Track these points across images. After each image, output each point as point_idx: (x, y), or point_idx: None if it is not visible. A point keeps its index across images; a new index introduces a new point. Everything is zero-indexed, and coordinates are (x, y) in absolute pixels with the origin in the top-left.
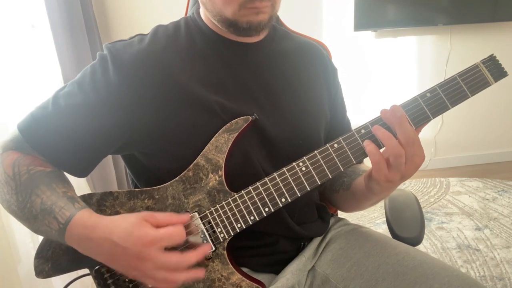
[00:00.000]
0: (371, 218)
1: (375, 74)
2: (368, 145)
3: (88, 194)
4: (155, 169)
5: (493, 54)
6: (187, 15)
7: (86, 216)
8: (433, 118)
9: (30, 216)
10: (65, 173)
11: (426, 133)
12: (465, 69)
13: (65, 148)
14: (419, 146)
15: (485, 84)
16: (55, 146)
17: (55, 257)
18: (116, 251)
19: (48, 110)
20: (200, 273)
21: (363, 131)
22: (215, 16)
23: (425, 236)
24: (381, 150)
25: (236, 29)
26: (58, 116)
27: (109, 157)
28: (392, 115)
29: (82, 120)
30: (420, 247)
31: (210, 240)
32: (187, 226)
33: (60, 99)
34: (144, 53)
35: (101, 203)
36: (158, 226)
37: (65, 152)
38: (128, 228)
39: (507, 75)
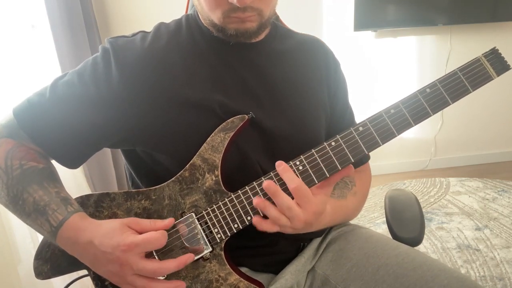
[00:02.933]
0: (371, 218)
1: (375, 74)
2: (254, 220)
3: (86, 195)
4: (155, 165)
5: (495, 47)
6: (188, 13)
7: (77, 220)
8: (433, 114)
9: (23, 213)
10: (56, 163)
11: (426, 133)
12: (466, 63)
13: (58, 137)
14: (307, 202)
15: (487, 78)
16: (49, 134)
17: (54, 258)
18: (98, 256)
19: (45, 98)
20: (181, 284)
21: (361, 128)
22: (205, 19)
23: (425, 236)
24: None
25: (225, 34)
26: (55, 105)
27: (109, 157)
28: (266, 191)
29: (79, 112)
30: (420, 247)
31: (207, 241)
32: (184, 227)
33: (59, 88)
34: (146, 53)
35: (99, 204)
36: (142, 232)
37: (58, 141)
38: (109, 233)
39: (510, 68)
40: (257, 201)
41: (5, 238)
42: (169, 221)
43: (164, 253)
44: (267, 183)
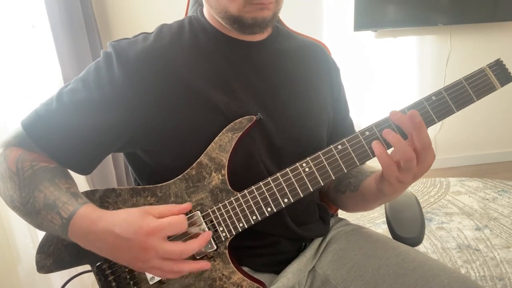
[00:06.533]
0: (371, 218)
1: (375, 74)
2: (376, 147)
3: (91, 191)
4: (158, 167)
5: (499, 58)
6: (190, 15)
7: (89, 210)
8: (438, 121)
9: (32, 211)
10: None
11: None
12: (471, 73)
13: (68, 145)
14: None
15: (491, 89)
16: (59, 143)
17: (57, 252)
18: (119, 244)
19: (52, 107)
20: (206, 265)
21: (367, 133)
22: (219, 13)
23: (425, 236)
24: (389, 150)
25: (241, 25)
26: (62, 113)
27: (109, 156)
28: (410, 121)
29: (86, 116)
30: (420, 247)
31: (212, 239)
32: (189, 225)
33: (64, 96)
34: (149, 51)
35: (104, 199)
36: (160, 217)
37: (69, 149)
38: (130, 218)
39: None
40: (388, 130)
41: (5, 238)
42: (187, 205)
43: None
44: (410, 115)
